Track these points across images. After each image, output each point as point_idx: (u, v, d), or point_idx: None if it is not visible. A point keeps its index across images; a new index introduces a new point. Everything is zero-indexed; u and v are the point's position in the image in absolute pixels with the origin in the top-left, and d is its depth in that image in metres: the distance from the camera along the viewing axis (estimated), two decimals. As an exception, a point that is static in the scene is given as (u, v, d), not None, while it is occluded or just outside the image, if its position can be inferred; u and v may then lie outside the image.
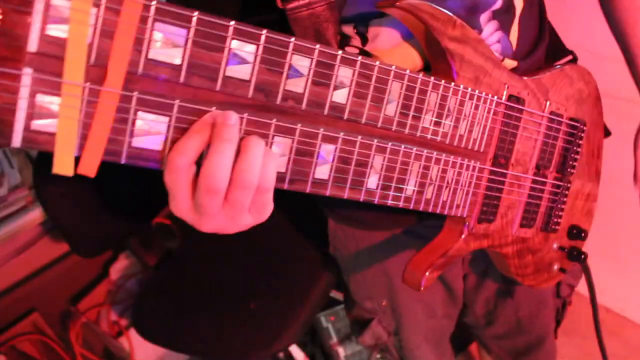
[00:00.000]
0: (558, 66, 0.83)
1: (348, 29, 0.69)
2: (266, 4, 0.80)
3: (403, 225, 0.91)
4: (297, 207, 1.09)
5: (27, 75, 0.44)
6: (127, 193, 1.25)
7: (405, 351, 1.08)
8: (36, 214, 1.53)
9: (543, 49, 0.87)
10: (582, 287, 1.07)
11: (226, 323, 1.37)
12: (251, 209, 0.52)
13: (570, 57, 0.89)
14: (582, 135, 0.85)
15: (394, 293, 1.00)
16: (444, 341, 1.10)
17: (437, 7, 0.64)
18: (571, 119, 0.84)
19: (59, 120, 0.46)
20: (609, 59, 0.97)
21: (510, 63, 0.80)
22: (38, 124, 0.45)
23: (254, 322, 1.34)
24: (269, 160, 0.51)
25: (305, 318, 1.34)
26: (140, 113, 0.49)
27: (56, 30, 0.44)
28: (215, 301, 1.39)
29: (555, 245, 0.91)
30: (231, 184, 0.49)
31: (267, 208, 0.53)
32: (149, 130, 0.50)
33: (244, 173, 0.49)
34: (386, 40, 0.71)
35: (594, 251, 0.99)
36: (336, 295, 1.65)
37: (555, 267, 0.93)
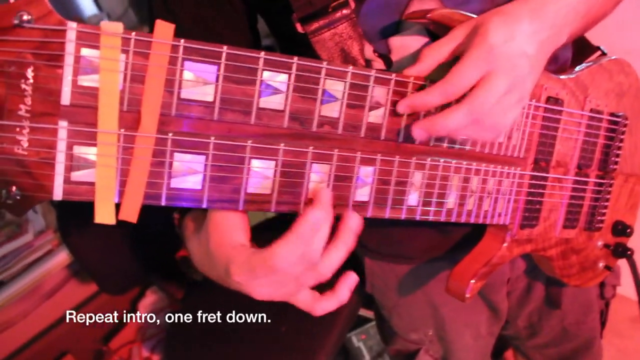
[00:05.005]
0: (592, 62, 0.79)
1: (367, 52, 0.67)
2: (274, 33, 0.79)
3: (446, 252, 0.88)
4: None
5: (63, 128, 0.43)
6: (150, 229, 1.24)
7: None
8: (62, 257, 1.55)
9: (570, 46, 0.83)
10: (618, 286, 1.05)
11: (258, 348, 1.36)
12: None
13: (599, 53, 0.86)
14: (624, 129, 0.82)
15: (441, 321, 0.97)
16: (487, 358, 1.08)
17: (468, 14, 0.62)
18: (612, 114, 0.80)
19: (97, 169, 0.45)
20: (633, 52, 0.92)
21: None
22: (77, 175, 0.45)
23: (286, 345, 1.32)
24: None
25: (336, 338, 1.32)
26: (176, 154, 0.48)
27: (88, 81, 0.44)
28: (245, 328, 1.39)
29: (599, 243, 0.88)
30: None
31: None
32: (187, 170, 0.49)
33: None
34: (412, 57, 0.69)
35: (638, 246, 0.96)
36: (365, 313, 1.63)
37: (601, 265, 0.90)
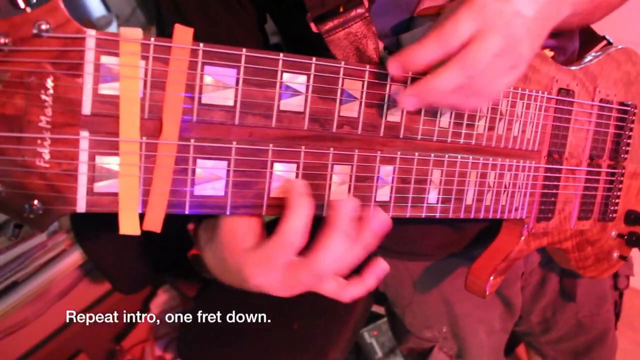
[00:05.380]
0: (599, 52, 0.79)
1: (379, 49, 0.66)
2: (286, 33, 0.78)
3: (461, 249, 0.88)
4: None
5: (84, 138, 0.42)
6: (162, 227, 1.23)
7: None
8: (75, 257, 1.54)
9: (577, 37, 0.83)
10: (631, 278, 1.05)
11: (271, 346, 1.36)
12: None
13: (605, 42, 0.85)
14: (634, 118, 0.82)
15: (455, 318, 0.97)
16: (500, 354, 1.07)
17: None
18: (621, 104, 0.80)
19: (120, 179, 0.44)
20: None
21: (548, 54, 0.77)
22: (100, 185, 0.44)
23: (299, 342, 1.32)
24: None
25: (349, 334, 1.32)
26: (199, 161, 0.47)
27: (108, 89, 0.43)
28: (258, 325, 1.38)
29: (613, 233, 0.88)
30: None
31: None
32: (210, 177, 0.48)
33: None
34: None
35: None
36: (377, 309, 1.63)
37: (615, 255, 0.90)
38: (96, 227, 1.15)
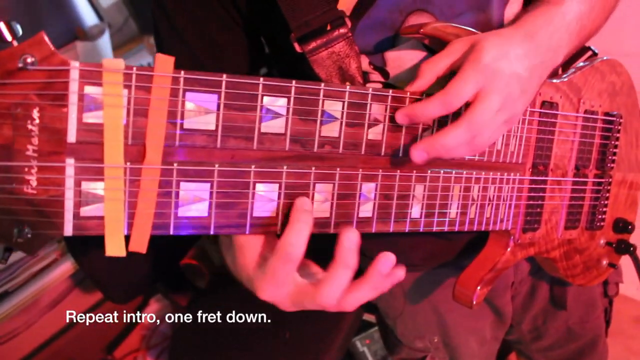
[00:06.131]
0: (584, 63, 0.81)
1: (364, 64, 0.68)
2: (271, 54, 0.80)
3: (450, 259, 0.89)
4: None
5: (70, 165, 0.44)
6: (155, 236, 1.23)
7: None
8: (67, 266, 1.55)
9: None
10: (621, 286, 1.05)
11: (263, 355, 1.37)
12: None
13: (590, 53, 0.86)
14: (619, 128, 0.83)
15: (447, 328, 0.97)
16: None
17: (460, 26, 0.63)
18: (606, 114, 0.81)
19: (105, 203, 0.46)
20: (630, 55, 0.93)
21: None
22: (86, 210, 0.45)
23: (290, 351, 1.33)
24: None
25: (341, 342, 1.33)
26: (182, 184, 0.49)
27: (92, 117, 0.44)
28: (250, 333, 1.39)
29: (602, 241, 0.89)
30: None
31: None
32: (193, 199, 0.50)
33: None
34: (409, 71, 0.70)
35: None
36: (369, 318, 1.64)
37: (604, 262, 0.91)
38: (87, 236, 1.17)
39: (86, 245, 1.20)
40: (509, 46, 0.57)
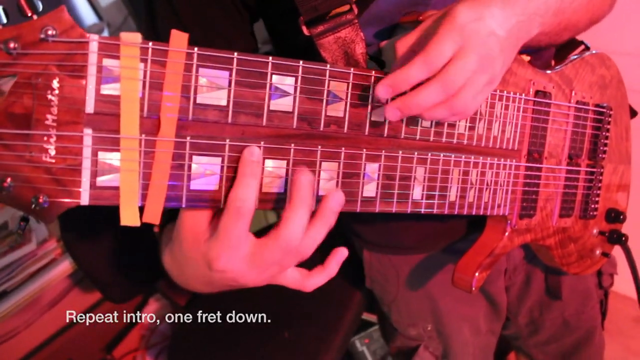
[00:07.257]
0: (576, 56, 0.84)
1: None
2: (278, 37, 0.82)
3: (443, 243, 0.90)
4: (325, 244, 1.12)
5: (87, 135, 0.46)
6: (153, 237, 1.24)
7: None
8: (65, 266, 1.54)
9: None
10: (617, 284, 1.07)
11: (262, 355, 1.37)
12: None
13: (582, 47, 0.90)
14: (610, 119, 0.86)
15: (440, 315, 0.99)
16: (489, 358, 1.09)
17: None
18: (597, 105, 0.84)
19: (121, 174, 0.47)
20: (623, 54, 0.97)
21: (525, 58, 0.81)
22: (102, 180, 0.47)
23: (289, 351, 1.33)
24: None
25: (340, 342, 1.33)
26: (194, 157, 0.50)
27: (110, 89, 0.46)
28: (249, 333, 1.39)
29: (595, 231, 0.91)
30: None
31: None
32: (205, 172, 0.51)
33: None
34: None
35: (633, 232, 0.99)
36: (368, 317, 1.64)
37: (598, 252, 0.93)
38: (86, 234, 1.17)
39: (84, 245, 1.20)
40: (484, 8, 0.56)
